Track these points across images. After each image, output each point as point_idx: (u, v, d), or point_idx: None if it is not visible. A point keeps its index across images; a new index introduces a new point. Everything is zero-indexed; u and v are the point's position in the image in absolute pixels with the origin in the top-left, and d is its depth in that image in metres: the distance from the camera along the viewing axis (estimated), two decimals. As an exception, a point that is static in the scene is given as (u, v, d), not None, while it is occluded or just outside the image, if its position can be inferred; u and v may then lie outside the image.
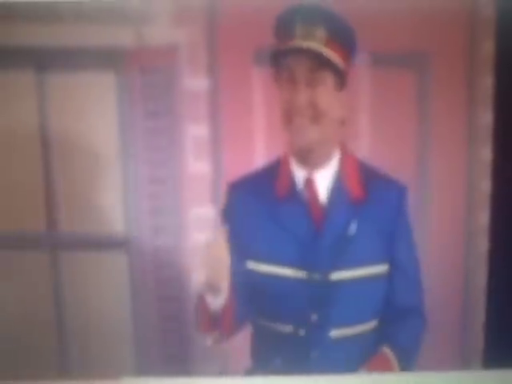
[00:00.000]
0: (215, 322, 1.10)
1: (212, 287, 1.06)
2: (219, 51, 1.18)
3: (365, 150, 1.19)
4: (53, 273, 1.26)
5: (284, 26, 1.11)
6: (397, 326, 1.16)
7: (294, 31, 1.09)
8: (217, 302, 1.08)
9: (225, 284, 1.07)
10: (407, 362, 1.16)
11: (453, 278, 1.22)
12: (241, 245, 1.15)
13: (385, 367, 1.14)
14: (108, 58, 1.19)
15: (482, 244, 1.21)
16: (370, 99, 1.18)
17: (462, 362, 1.24)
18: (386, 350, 1.15)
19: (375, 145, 1.19)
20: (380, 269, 1.15)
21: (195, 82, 1.18)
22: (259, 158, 1.19)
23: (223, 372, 1.25)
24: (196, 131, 1.19)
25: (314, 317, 1.13)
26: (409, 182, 1.17)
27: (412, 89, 1.18)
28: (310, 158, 1.14)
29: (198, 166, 1.19)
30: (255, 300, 1.17)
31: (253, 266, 1.16)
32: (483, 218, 1.22)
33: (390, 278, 1.15)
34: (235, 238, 1.15)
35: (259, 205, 1.15)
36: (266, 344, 1.18)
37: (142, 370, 1.27)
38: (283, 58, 1.10)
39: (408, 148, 1.20)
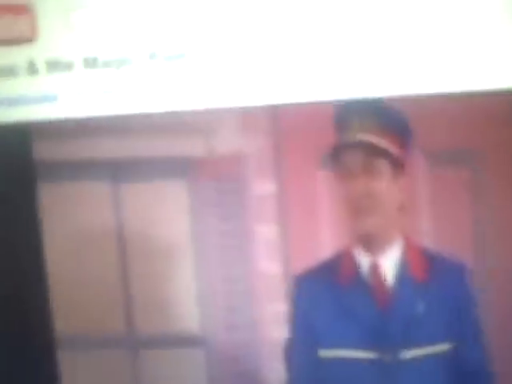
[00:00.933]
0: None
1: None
2: (284, 156, 1.24)
3: (426, 242, 1.24)
4: (133, 371, 1.30)
5: (341, 120, 1.17)
6: None
7: (351, 124, 1.15)
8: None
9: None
10: None
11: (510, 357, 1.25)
12: (312, 335, 1.20)
13: None
14: (179, 168, 1.25)
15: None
16: (428, 194, 1.23)
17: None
18: None
19: (435, 237, 1.24)
20: (444, 347, 1.19)
21: (263, 187, 1.24)
22: (325, 254, 1.24)
23: None
24: (266, 232, 1.25)
25: None
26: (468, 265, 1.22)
27: (467, 184, 1.24)
28: (372, 244, 1.19)
29: (268, 265, 1.25)
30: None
31: (324, 353, 1.20)
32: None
33: (457, 351, 1.19)
34: (304, 328, 1.20)
35: (325, 294, 1.20)
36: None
37: None
38: (341, 152, 1.16)
39: (466, 238, 1.25)
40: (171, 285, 1.28)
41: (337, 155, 1.17)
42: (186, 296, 1.28)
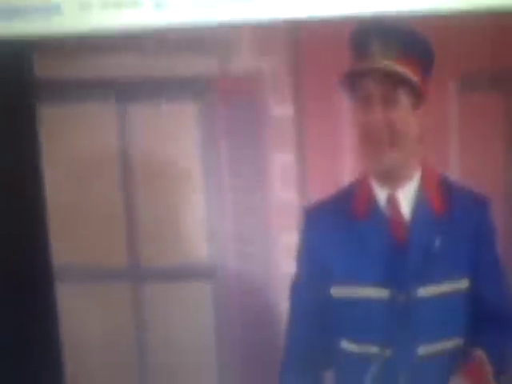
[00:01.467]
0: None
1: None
2: (303, 77, 1.17)
3: (454, 168, 1.18)
4: (136, 304, 1.25)
5: (358, 43, 1.10)
6: (489, 331, 1.15)
7: (369, 49, 1.09)
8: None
9: None
10: (503, 365, 1.14)
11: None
12: (322, 271, 1.15)
13: (480, 373, 1.13)
14: (191, 88, 1.19)
15: None
16: (457, 121, 1.17)
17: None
18: (480, 354, 1.13)
19: (464, 163, 1.18)
20: (462, 284, 1.14)
21: (280, 110, 1.18)
22: (346, 183, 1.18)
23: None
24: (282, 158, 1.19)
25: (400, 335, 1.12)
26: (496, 197, 1.16)
27: (499, 108, 1.18)
28: (391, 177, 1.13)
29: (284, 193, 1.19)
30: (337, 325, 1.16)
31: (336, 290, 1.15)
32: None
33: (476, 289, 1.14)
34: (315, 264, 1.15)
35: (338, 228, 1.14)
36: (351, 371, 1.17)
37: (227, 400, 1.27)
38: (358, 78, 1.10)
39: (495, 166, 1.20)
40: (179, 214, 1.22)
41: (354, 82, 1.11)
42: (195, 226, 1.22)
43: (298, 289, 1.17)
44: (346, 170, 1.18)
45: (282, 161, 1.18)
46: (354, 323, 1.15)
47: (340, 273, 1.14)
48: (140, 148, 1.20)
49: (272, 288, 1.21)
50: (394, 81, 1.08)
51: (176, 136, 1.20)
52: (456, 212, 1.14)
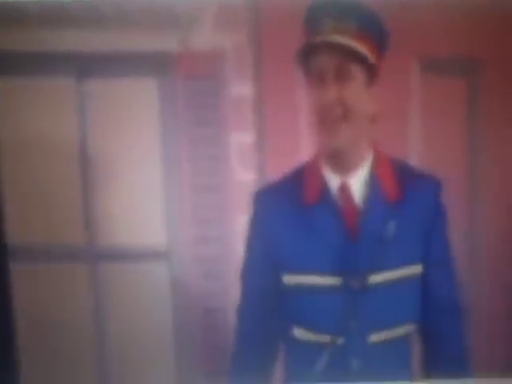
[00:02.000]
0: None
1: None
2: (264, 56, 1.15)
3: (415, 153, 1.16)
4: (93, 285, 1.23)
5: (313, 19, 1.08)
6: (441, 316, 1.14)
7: (323, 25, 1.07)
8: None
9: None
10: (456, 350, 1.14)
11: (503, 276, 1.20)
12: (273, 258, 1.12)
13: None
14: (151, 64, 1.16)
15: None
16: (420, 103, 1.15)
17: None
18: None
19: (425, 147, 1.16)
20: (416, 269, 1.13)
21: (240, 88, 1.15)
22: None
23: None
24: (241, 138, 1.16)
25: (353, 323, 1.11)
26: (459, 181, 1.15)
27: (462, 93, 1.17)
28: (342, 161, 1.11)
29: (242, 174, 1.16)
30: (290, 313, 1.14)
31: (287, 278, 1.13)
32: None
33: (426, 275, 1.13)
34: (265, 250, 1.12)
35: (288, 214, 1.12)
36: (302, 358, 1.15)
37: (183, 384, 1.25)
38: (312, 54, 1.08)
39: (458, 150, 1.18)
40: (136, 194, 1.19)
41: (308, 58, 1.08)
42: (153, 207, 1.19)
43: (247, 275, 1.15)
44: (306, 152, 1.16)
45: (240, 140, 1.15)
46: (306, 311, 1.13)
47: (291, 259, 1.12)
48: (98, 124, 1.18)
49: (229, 270, 1.19)
50: (347, 56, 1.06)
51: (135, 113, 1.17)
52: (409, 196, 1.12)
